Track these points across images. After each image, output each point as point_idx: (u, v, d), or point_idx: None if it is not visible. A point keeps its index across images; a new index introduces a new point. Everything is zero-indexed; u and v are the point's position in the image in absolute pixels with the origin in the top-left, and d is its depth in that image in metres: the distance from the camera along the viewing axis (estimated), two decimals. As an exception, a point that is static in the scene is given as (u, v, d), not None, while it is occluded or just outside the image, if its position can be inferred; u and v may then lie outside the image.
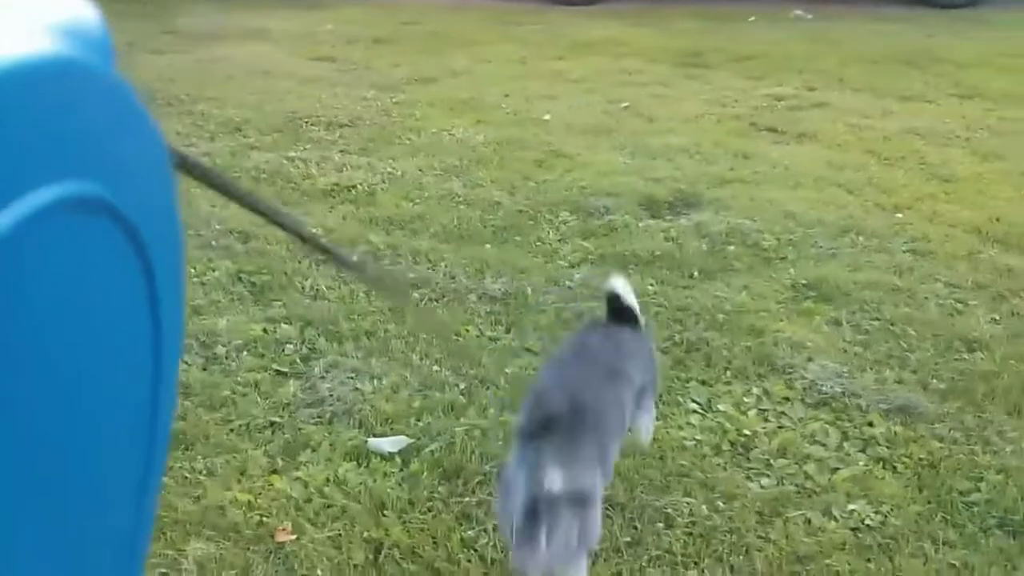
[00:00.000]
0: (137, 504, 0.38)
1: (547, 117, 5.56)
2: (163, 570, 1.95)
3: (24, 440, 0.28)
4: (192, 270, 3.35)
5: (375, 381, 2.74)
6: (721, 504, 2.19)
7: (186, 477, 2.28)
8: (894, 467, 2.35)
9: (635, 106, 5.83)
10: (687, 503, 2.19)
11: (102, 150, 0.35)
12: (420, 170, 4.58)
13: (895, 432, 2.48)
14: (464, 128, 5.28)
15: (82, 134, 0.34)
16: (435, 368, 2.82)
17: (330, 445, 2.42)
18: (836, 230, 3.87)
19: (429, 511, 2.17)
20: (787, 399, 2.64)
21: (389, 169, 4.61)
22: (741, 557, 2.02)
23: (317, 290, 3.31)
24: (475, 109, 5.71)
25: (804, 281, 3.37)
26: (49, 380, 0.29)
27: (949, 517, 2.16)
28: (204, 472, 2.30)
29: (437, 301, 3.27)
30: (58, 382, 0.29)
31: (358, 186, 4.35)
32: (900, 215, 4.08)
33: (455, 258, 3.59)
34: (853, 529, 2.13)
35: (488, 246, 3.70)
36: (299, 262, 3.47)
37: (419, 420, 2.55)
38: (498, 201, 4.17)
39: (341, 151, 4.88)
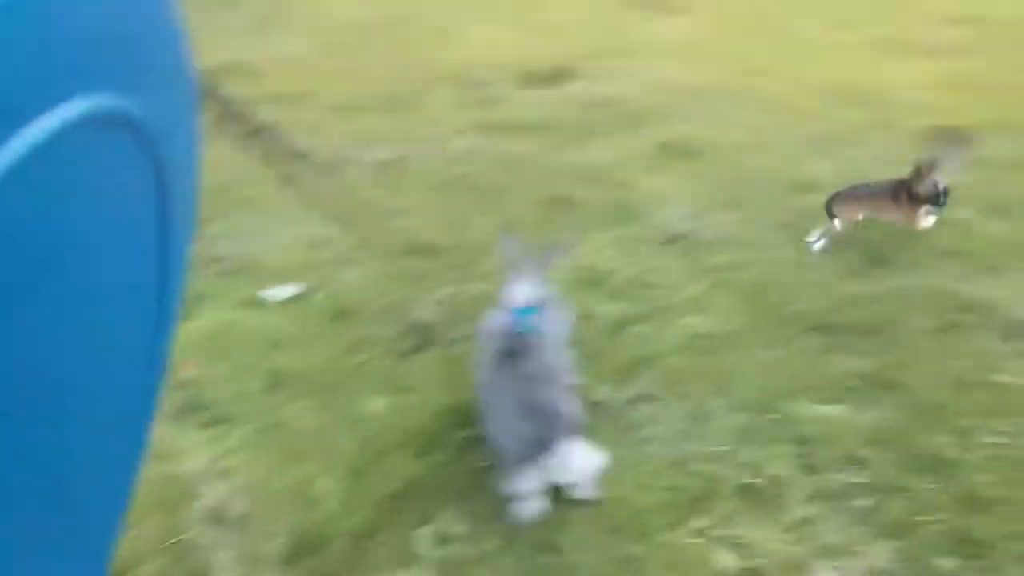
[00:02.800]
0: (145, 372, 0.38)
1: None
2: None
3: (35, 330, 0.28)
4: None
5: (270, 240, 2.94)
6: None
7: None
8: (728, 287, 2.69)
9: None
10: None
11: (129, 61, 0.31)
12: (307, 48, 4.67)
13: (731, 260, 2.83)
14: (346, 6, 5.34)
15: (110, 43, 0.29)
16: (321, 225, 3.03)
17: (225, 296, 2.63)
18: (697, 94, 4.18)
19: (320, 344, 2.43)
20: (641, 239, 2.96)
21: (278, 47, 4.67)
22: (597, 361, 2.33)
23: (207, 161, 3.44)
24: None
25: (665, 139, 3.68)
26: (62, 290, 0.28)
27: (768, 327, 2.52)
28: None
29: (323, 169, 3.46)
30: (69, 293, 0.29)
31: (247, 64, 4.42)
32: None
33: (345, 128, 3.76)
34: (689, 336, 2.46)
35: (376, 116, 3.88)
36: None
37: (310, 270, 2.78)
38: (384, 76, 4.31)
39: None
